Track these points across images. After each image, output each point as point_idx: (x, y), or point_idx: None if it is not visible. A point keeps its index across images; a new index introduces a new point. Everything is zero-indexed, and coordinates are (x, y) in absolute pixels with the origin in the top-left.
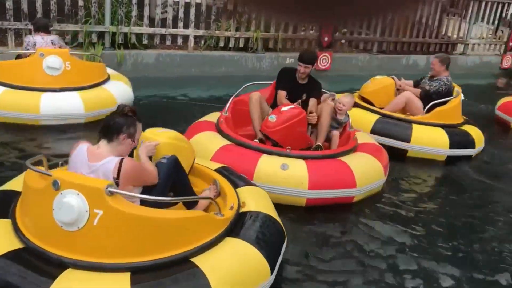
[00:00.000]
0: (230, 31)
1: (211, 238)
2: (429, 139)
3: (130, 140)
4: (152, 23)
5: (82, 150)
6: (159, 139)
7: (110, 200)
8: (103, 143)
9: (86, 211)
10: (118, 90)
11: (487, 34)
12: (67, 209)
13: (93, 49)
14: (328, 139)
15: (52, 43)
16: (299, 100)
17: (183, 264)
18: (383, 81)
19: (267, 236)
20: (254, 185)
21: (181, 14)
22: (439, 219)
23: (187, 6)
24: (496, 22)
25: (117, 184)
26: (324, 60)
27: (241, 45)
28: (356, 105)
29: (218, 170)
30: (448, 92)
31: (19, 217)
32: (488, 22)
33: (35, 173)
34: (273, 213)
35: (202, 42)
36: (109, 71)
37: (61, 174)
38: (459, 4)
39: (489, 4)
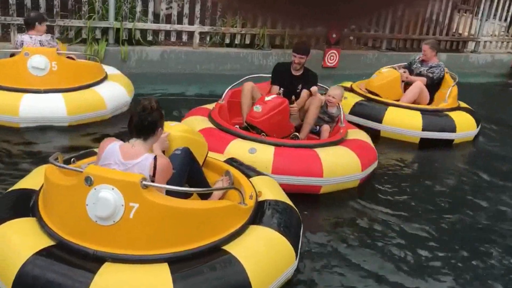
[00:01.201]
0: (236, 27)
1: (238, 226)
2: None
3: (161, 129)
4: (157, 19)
5: (114, 148)
6: (172, 132)
7: (145, 193)
8: (138, 141)
9: (122, 205)
10: (111, 93)
11: (499, 32)
12: (103, 204)
13: (97, 45)
14: (319, 133)
15: (40, 43)
16: (293, 97)
17: (216, 252)
18: (390, 74)
19: (288, 223)
20: (264, 174)
21: (186, 10)
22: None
23: (193, 1)
24: (508, 19)
25: (153, 181)
26: (332, 57)
27: (247, 41)
28: (369, 99)
29: (227, 162)
30: (443, 77)
31: (45, 215)
32: (500, 19)
33: (57, 170)
34: (289, 201)
35: (208, 39)
36: (110, 70)
37: (93, 170)
38: (471, 0)
39: (502, 0)
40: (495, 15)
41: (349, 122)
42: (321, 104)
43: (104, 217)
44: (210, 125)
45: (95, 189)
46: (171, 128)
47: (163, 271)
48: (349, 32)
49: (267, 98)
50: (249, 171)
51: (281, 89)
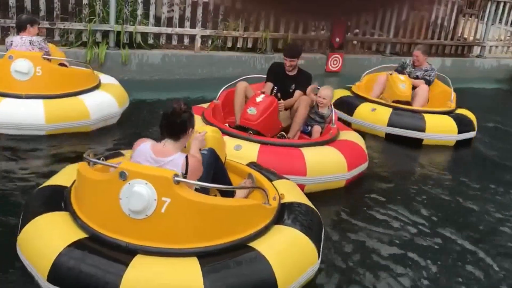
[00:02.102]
0: (238, 31)
1: (263, 225)
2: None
3: (192, 129)
4: (158, 22)
5: (145, 147)
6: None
7: (177, 189)
8: (169, 141)
9: (155, 200)
10: (98, 103)
11: (505, 36)
12: (137, 198)
13: (97, 49)
14: (310, 134)
15: (30, 43)
16: (279, 94)
17: (243, 248)
18: (406, 81)
19: (310, 224)
20: (285, 178)
21: (187, 13)
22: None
23: (194, 5)
24: None
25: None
26: (335, 62)
27: (250, 45)
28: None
29: (248, 165)
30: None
31: (78, 209)
32: (506, 24)
33: (89, 167)
34: (310, 203)
35: (209, 42)
36: (106, 79)
37: (128, 165)
38: (476, 4)
39: (508, 4)
40: (501, 19)
41: (340, 120)
42: (310, 104)
43: (137, 211)
44: (202, 123)
45: (129, 183)
46: (202, 128)
47: (193, 264)
48: (352, 36)
49: (258, 99)
50: (270, 175)
51: (275, 87)
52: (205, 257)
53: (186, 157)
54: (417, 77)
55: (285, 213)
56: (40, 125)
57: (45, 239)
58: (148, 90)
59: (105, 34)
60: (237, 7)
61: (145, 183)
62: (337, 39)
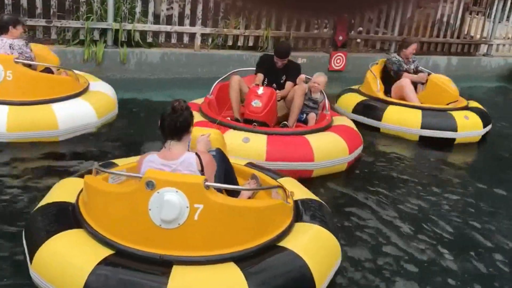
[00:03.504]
0: (239, 29)
1: (288, 223)
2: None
3: (192, 127)
4: (157, 20)
5: (153, 157)
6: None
7: (208, 194)
8: (173, 142)
9: (187, 207)
10: (70, 112)
11: None
12: (169, 207)
13: (95, 47)
14: (305, 121)
15: (10, 47)
16: (274, 85)
17: (276, 248)
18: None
19: (326, 218)
20: (285, 176)
21: (187, 10)
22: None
23: (194, 2)
24: None
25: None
26: (338, 60)
27: (251, 43)
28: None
29: (247, 166)
30: None
31: (96, 224)
32: None
33: (99, 178)
34: (318, 198)
35: (210, 41)
36: (95, 86)
37: (154, 174)
38: (483, 2)
39: None
40: (508, 17)
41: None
42: (304, 92)
43: (170, 220)
44: (202, 118)
45: (158, 192)
46: (204, 131)
47: (233, 269)
48: (356, 34)
49: (259, 92)
50: (271, 174)
51: (266, 79)
52: (242, 261)
53: (197, 155)
54: (417, 71)
55: (300, 210)
56: (1, 133)
57: (69, 261)
58: (147, 89)
59: (103, 32)
60: (238, 4)
61: (175, 191)
62: (340, 37)
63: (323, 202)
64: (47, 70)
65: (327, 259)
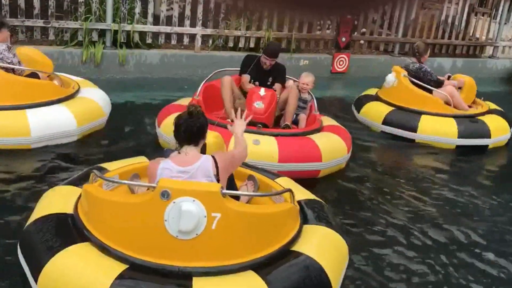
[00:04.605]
0: (240, 30)
1: (297, 227)
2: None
3: None
4: (156, 20)
5: (167, 164)
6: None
7: (226, 202)
8: (189, 148)
9: (204, 216)
10: (45, 119)
11: None
12: (187, 217)
13: (93, 48)
14: (296, 122)
15: None
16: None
17: (291, 253)
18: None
19: (330, 218)
20: (280, 176)
21: (187, 11)
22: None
23: (194, 3)
24: None
25: (218, 180)
26: (341, 62)
27: (252, 45)
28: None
29: (240, 166)
30: None
31: (104, 237)
32: None
33: (114, 192)
34: (317, 198)
35: (210, 42)
36: (85, 93)
37: (169, 183)
38: (489, 3)
39: None
40: None
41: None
42: (298, 93)
43: (188, 231)
44: None
45: (174, 202)
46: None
47: (254, 278)
48: (359, 35)
49: (261, 93)
50: (267, 174)
51: (252, 80)
52: (260, 268)
53: (213, 158)
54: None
55: (305, 212)
56: None
57: (84, 278)
58: (147, 91)
59: (102, 33)
60: (239, 5)
61: (192, 200)
62: (344, 39)
63: (323, 202)
64: (34, 75)
65: (339, 261)
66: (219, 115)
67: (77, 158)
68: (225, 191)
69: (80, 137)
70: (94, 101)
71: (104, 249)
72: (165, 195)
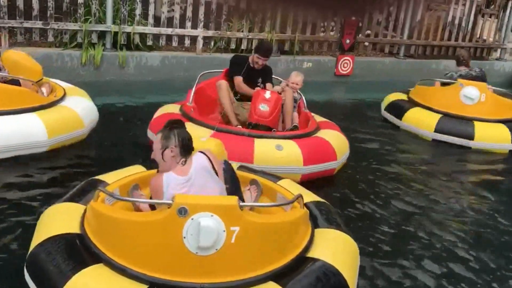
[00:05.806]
0: (242, 31)
1: (309, 232)
2: None
3: None
4: (157, 22)
5: (171, 177)
6: (209, 146)
7: (244, 215)
8: (187, 157)
9: (223, 231)
10: (10, 129)
11: None
12: (206, 233)
13: (93, 50)
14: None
15: None
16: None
17: (307, 260)
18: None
19: (338, 220)
20: (282, 178)
21: (189, 13)
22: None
23: (196, 4)
24: None
25: (217, 174)
26: (345, 65)
27: (254, 47)
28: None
29: (239, 169)
30: None
31: (119, 257)
32: None
33: (116, 207)
34: (323, 200)
35: (212, 44)
36: (70, 102)
37: (184, 199)
38: (496, 4)
39: None
40: None
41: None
42: (292, 94)
43: (208, 247)
44: (209, 130)
45: (192, 219)
46: (205, 143)
47: None
48: (364, 37)
49: (266, 96)
50: (267, 177)
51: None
52: (280, 278)
53: (203, 153)
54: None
55: (314, 215)
56: None
57: None
58: (147, 94)
59: (101, 35)
60: (241, 6)
61: (210, 215)
62: (348, 41)
63: (328, 203)
64: (14, 82)
65: (352, 263)
66: (217, 119)
67: (64, 168)
68: (242, 203)
69: (54, 148)
70: (74, 111)
71: (121, 270)
72: (183, 212)
